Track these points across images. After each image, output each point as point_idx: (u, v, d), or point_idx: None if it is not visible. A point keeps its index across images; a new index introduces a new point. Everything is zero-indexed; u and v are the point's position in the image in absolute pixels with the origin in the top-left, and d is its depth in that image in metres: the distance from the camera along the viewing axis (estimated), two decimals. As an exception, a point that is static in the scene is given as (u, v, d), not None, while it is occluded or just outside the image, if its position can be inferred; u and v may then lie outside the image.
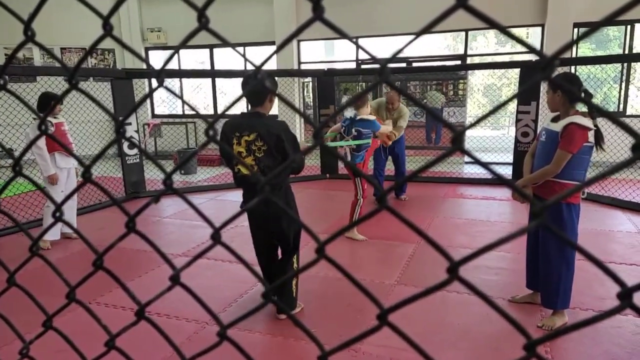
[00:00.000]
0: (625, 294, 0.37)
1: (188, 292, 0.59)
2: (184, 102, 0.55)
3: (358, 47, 0.45)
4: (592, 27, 0.35)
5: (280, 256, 3.05)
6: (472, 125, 0.43)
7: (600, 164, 6.30)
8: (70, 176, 4.47)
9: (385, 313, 0.47)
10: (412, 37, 0.46)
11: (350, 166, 3.99)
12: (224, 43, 0.49)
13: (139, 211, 0.62)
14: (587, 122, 2.56)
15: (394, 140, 5.16)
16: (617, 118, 0.38)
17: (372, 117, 4.32)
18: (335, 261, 0.52)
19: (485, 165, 0.43)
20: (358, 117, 4.22)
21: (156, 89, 0.54)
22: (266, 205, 2.74)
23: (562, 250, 2.69)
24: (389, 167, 6.03)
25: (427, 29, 0.41)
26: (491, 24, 0.38)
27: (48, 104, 4.13)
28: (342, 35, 0.45)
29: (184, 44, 0.51)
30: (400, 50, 0.45)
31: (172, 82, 8.82)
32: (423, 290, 0.44)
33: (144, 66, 8.58)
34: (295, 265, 2.99)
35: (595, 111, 2.64)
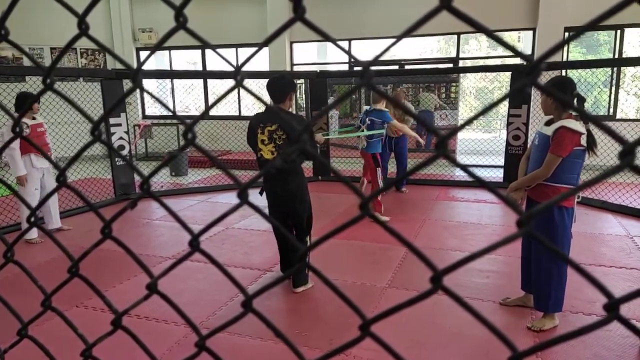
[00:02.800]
0: (612, 306, 0.36)
1: (166, 300, 0.57)
2: (161, 103, 0.53)
3: (340, 48, 0.43)
4: (576, 32, 0.34)
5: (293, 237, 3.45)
6: (456, 131, 0.42)
7: (591, 167, 6.35)
8: (49, 175, 4.53)
9: (367, 324, 0.45)
10: (403, 39, 0.44)
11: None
12: (203, 44, 0.47)
13: (115, 217, 0.60)
14: (578, 126, 2.56)
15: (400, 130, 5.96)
16: (604, 124, 0.37)
17: (385, 109, 4.95)
18: (319, 271, 0.50)
19: (466, 169, 0.41)
20: (372, 108, 4.91)
21: (132, 90, 0.52)
22: (282, 187, 3.23)
23: (564, 248, 2.71)
24: (390, 170, 6.26)
25: (411, 31, 0.40)
26: (475, 25, 0.37)
27: (25, 104, 4.09)
28: (324, 36, 0.43)
29: (161, 45, 0.49)
30: (383, 53, 0.43)
31: (164, 83, 8.76)
32: (406, 300, 0.42)
33: (134, 66, 8.51)
34: (309, 240, 3.39)
35: (584, 117, 2.65)
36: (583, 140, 2.57)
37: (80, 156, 0.60)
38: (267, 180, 3.31)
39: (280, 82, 3.19)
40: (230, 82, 0.52)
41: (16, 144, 4.10)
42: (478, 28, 0.36)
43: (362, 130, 4.97)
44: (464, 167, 0.39)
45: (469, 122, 0.40)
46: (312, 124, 0.56)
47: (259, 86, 9.40)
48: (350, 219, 0.47)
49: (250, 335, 2.76)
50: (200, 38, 0.48)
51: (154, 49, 0.53)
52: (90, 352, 0.63)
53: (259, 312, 0.53)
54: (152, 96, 0.53)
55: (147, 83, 10.53)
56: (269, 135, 3.16)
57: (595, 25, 0.34)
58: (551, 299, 2.75)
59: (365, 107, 5.06)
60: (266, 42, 0.49)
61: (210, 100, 10.23)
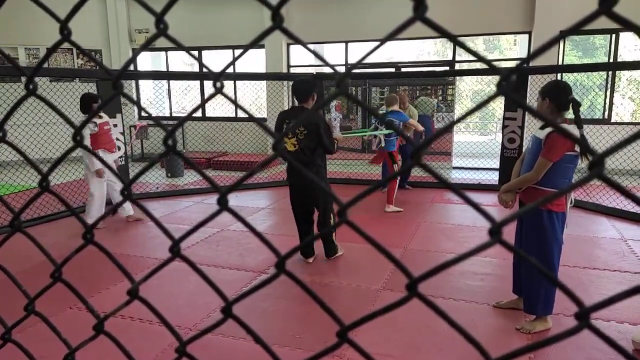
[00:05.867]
0: (583, 314, 0.36)
1: (147, 306, 0.57)
2: (142, 109, 0.53)
3: (316, 56, 0.44)
4: (549, 42, 0.34)
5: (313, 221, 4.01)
6: (432, 140, 0.42)
7: (580, 170, 6.37)
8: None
9: (344, 331, 0.45)
10: (402, 42, 0.45)
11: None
12: (180, 48, 0.47)
13: (96, 222, 0.60)
14: (571, 130, 2.56)
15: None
16: (575, 136, 0.37)
17: (401, 110, 5.59)
18: (297, 278, 0.50)
19: (438, 175, 0.41)
20: (389, 110, 5.39)
21: (114, 95, 0.52)
22: (301, 178, 3.67)
23: (542, 256, 2.68)
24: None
25: (388, 39, 0.40)
26: (446, 35, 0.37)
27: (89, 104, 4.72)
28: (300, 43, 0.44)
29: (144, 49, 0.49)
30: (361, 60, 0.43)
31: (160, 84, 8.75)
32: (381, 307, 0.42)
33: (131, 67, 8.49)
34: (332, 220, 3.80)
35: (576, 121, 2.65)
36: (576, 145, 2.56)
37: (63, 160, 0.60)
38: (290, 171, 3.92)
39: (304, 84, 3.69)
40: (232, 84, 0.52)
41: (88, 141, 4.65)
42: (450, 38, 0.37)
43: (380, 130, 5.52)
44: (437, 175, 0.39)
45: (439, 135, 0.40)
46: (286, 134, 0.55)
47: (257, 88, 9.43)
48: (330, 226, 0.47)
49: (243, 337, 2.75)
50: (181, 45, 0.48)
51: (135, 54, 0.53)
52: (73, 357, 0.63)
53: (238, 317, 0.53)
54: (132, 101, 0.54)
55: (144, 84, 10.52)
56: (292, 130, 3.66)
57: (575, 30, 0.34)
58: (540, 302, 2.75)
59: (380, 110, 5.61)
60: (247, 48, 0.49)
61: (207, 102, 10.22)
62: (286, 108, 9.37)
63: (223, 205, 0.48)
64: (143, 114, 10.37)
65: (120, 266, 0.57)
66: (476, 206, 0.39)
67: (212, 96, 0.48)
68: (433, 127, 8.29)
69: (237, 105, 0.48)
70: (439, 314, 0.41)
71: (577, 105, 2.62)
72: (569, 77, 8.10)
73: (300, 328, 2.88)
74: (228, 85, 7.94)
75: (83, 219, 0.62)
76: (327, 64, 0.43)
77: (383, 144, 5.51)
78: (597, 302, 0.37)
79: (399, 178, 5.84)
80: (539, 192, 2.66)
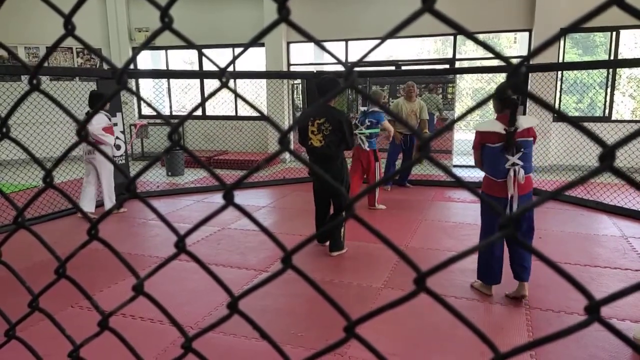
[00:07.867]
0: (593, 308, 0.36)
1: (152, 302, 0.57)
2: (147, 104, 0.53)
3: (324, 50, 0.43)
4: (550, 39, 0.34)
5: (331, 213, 4.20)
6: (437, 134, 0.42)
7: (572, 168, 6.37)
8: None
9: (352, 325, 0.45)
10: (399, 40, 0.44)
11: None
12: (189, 45, 0.47)
13: (101, 218, 0.60)
14: (491, 126, 3.01)
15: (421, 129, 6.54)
16: (583, 126, 0.37)
17: (379, 111, 5.33)
18: (305, 274, 0.50)
19: (447, 170, 0.41)
20: (370, 110, 5.36)
21: (117, 91, 0.52)
22: (325, 170, 3.84)
23: (482, 230, 3.29)
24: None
25: (393, 33, 0.40)
26: (457, 28, 0.37)
27: (98, 100, 5.04)
28: (308, 37, 0.43)
29: (147, 45, 0.49)
30: (365, 55, 0.43)
31: (160, 83, 8.72)
32: (389, 302, 0.42)
33: (131, 65, 8.47)
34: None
35: (510, 119, 2.96)
36: (494, 138, 2.96)
37: (66, 156, 0.59)
38: (314, 163, 4.00)
39: (330, 82, 3.85)
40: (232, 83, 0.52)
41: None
42: (460, 31, 0.36)
43: (362, 130, 5.35)
44: (445, 168, 0.39)
45: (447, 128, 0.40)
46: (290, 130, 0.55)
47: (257, 86, 9.41)
48: (334, 221, 0.47)
49: (245, 335, 2.75)
50: (186, 39, 0.48)
51: (139, 49, 0.53)
52: (78, 353, 0.63)
53: (244, 313, 0.53)
54: (137, 95, 0.53)
55: (144, 83, 10.50)
56: (318, 127, 3.89)
57: (575, 27, 0.34)
58: (479, 269, 3.25)
59: (362, 109, 5.61)
60: (249, 44, 0.49)
61: (208, 101, 10.21)
62: (286, 107, 9.46)
63: (229, 200, 0.48)
64: (144, 112, 10.36)
65: (125, 262, 0.57)
66: (484, 199, 0.39)
67: (217, 90, 0.48)
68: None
69: (245, 101, 0.48)
70: (447, 308, 0.41)
71: (514, 106, 2.94)
72: (569, 75, 8.10)
73: (303, 326, 2.88)
74: (229, 83, 7.93)
75: (86, 214, 0.61)
76: (334, 57, 0.43)
77: (365, 145, 5.37)
78: (608, 295, 0.36)
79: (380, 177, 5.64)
80: (484, 177, 3.14)
